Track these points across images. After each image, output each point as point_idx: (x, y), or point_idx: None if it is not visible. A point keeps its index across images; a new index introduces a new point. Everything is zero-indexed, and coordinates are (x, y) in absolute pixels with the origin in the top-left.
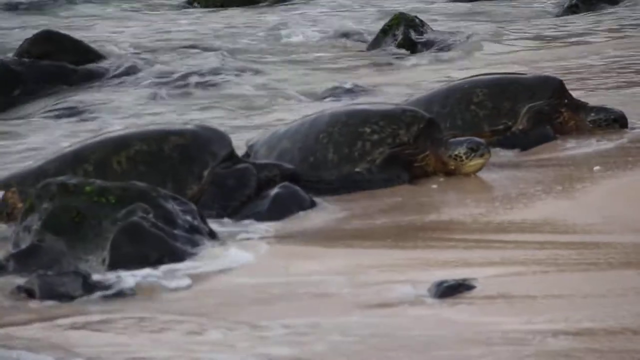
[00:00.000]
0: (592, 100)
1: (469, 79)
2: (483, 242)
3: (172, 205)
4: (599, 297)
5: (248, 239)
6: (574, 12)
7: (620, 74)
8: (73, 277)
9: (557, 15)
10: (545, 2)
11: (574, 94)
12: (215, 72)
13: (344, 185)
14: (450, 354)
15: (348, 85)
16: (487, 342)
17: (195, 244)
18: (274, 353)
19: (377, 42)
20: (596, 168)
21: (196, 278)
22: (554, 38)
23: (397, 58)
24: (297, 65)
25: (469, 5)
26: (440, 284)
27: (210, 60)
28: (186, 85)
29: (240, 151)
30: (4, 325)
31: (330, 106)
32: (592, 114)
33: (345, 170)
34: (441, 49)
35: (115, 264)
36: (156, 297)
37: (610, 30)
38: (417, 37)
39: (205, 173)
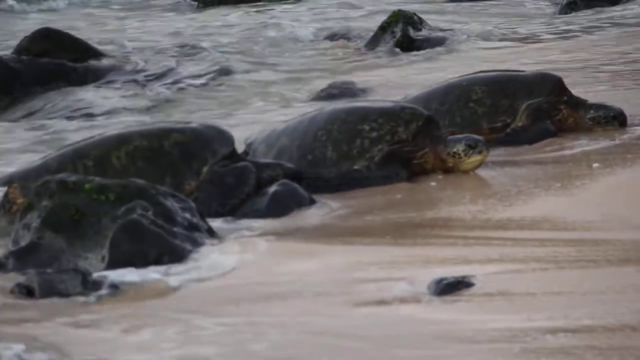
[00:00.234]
0: (591, 97)
1: (467, 77)
2: (482, 240)
3: (171, 203)
4: (598, 294)
5: (247, 236)
6: (572, 9)
7: (620, 72)
8: (72, 275)
9: (556, 14)
10: (544, 2)
11: (573, 91)
12: (212, 70)
13: (343, 183)
14: (449, 351)
15: (346, 84)
16: (485, 339)
17: (194, 242)
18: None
19: (375, 40)
20: (595, 165)
21: (195, 276)
22: (553, 36)
23: (395, 56)
24: (294, 63)
25: (468, 4)
26: (439, 281)
27: (208, 59)
28: (185, 84)
29: (238, 148)
30: (1, 323)
31: (328, 104)
32: (592, 111)
33: (344, 167)
34: (440, 47)
35: (114, 262)
36: (155, 295)
37: (609, 27)
38: (415, 34)
39: (204, 169)
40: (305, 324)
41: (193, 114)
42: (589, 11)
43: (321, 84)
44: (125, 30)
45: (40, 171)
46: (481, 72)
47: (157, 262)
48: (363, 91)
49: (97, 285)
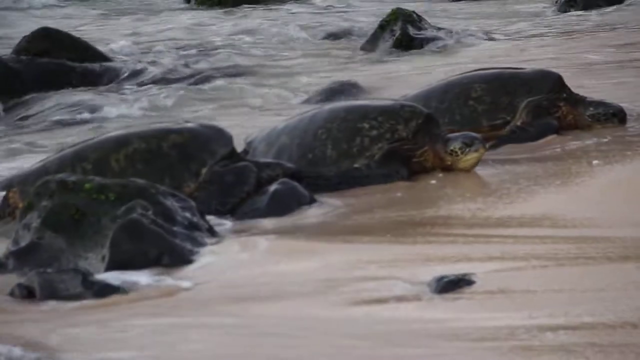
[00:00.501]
0: (590, 94)
1: (467, 74)
2: (482, 237)
3: (171, 202)
4: (599, 291)
5: (247, 235)
6: (572, 7)
7: (619, 69)
8: (72, 275)
9: (555, 12)
10: (542, 3)
11: (572, 88)
12: (212, 71)
13: (343, 181)
14: (450, 349)
15: (346, 83)
16: (486, 337)
17: (194, 241)
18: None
19: (374, 38)
20: (595, 162)
21: (195, 276)
22: (552, 34)
23: (394, 54)
24: (293, 63)
25: (467, 3)
26: (440, 279)
27: (207, 60)
28: (184, 85)
29: (238, 148)
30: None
31: (328, 103)
32: (591, 109)
33: (344, 166)
34: (439, 46)
35: (114, 262)
36: (155, 295)
37: (608, 26)
38: (415, 32)
39: (203, 171)
40: (305, 322)
41: (192, 114)
42: (588, 10)
43: (321, 83)
44: (123, 31)
45: (39, 174)
46: (481, 69)
47: (158, 261)
48: (363, 90)
49: (97, 285)
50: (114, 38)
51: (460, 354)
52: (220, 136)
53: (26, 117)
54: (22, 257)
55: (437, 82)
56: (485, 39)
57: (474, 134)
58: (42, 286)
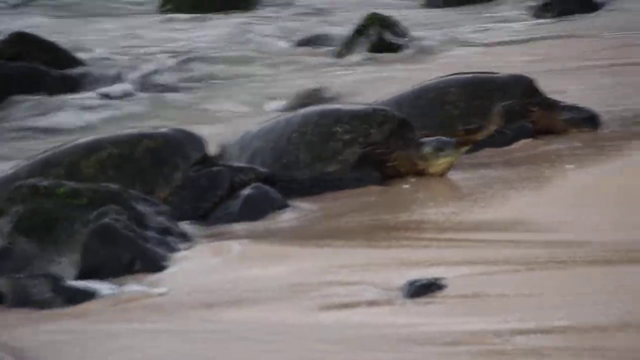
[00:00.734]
0: (564, 99)
1: (441, 79)
2: (455, 242)
3: (144, 207)
4: (570, 295)
5: (220, 240)
6: (547, 11)
7: (593, 74)
8: (44, 280)
9: (530, 19)
10: (518, 10)
11: (546, 93)
12: (183, 78)
13: (316, 185)
14: (419, 354)
15: (320, 89)
16: (457, 341)
17: (167, 246)
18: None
19: (350, 43)
20: (568, 167)
21: (168, 281)
22: (527, 40)
23: (370, 59)
24: (267, 70)
25: (443, 10)
26: (412, 283)
27: (179, 67)
28: (155, 92)
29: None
30: None
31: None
32: (565, 113)
33: (317, 170)
34: (415, 51)
35: (87, 266)
36: (127, 301)
37: (583, 32)
38: (391, 38)
39: (176, 175)
40: (278, 327)
41: (163, 121)
42: (562, 17)
43: (295, 89)
44: (96, 37)
45: (10, 181)
46: (455, 74)
47: (130, 266)
48: (338, 95)
49: (68, 291)
50: (85, 43)
51: (432, 358)
52: (193, 141)
53: None
54: None
55: (411, 86)
56: (461, 45)
57: (446, 139)
58: (13, 291)
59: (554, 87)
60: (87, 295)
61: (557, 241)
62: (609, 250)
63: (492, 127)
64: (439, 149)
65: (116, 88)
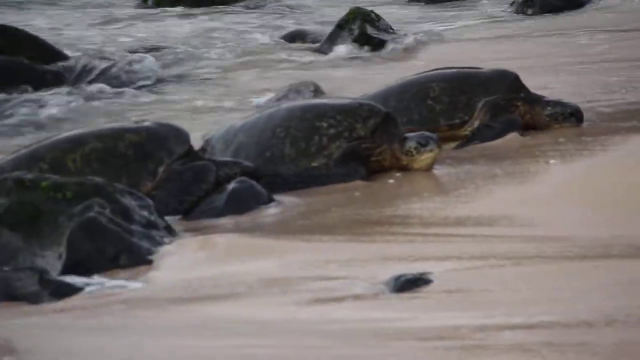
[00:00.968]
0: (548, 94)
1: (425, 74)
2: (440, 236)
3: (129, 201)
4: (555, 290)
5: (205, 234)
6: (529, 7)
7: (577, 69)
8: (29, 274)
9: (512, 15)
10: (500, 7)
11: (530, 88)
12: (167, 74)
13: (301, 180)
14: (407, 347)
15: (304, 84)
16: (442, 336)
17: (152, 240)
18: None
19: (333, 38)
20: (552, 162)
21: (153, 275)
22: (509, 35)
23: (353, 53)
24: (251, 65)
25: (427, 5)
26: (397, 278)
27: (164, 62)
28: (139, 87)
29: (195, 146)
30: None
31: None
32: (549, 108)
33: (302, 164)
34: (398, 45)
35: (71, 260)
36: (111, 295)
37: (565, 28)
38: (373, 32)
39: (160, 170)
40: (263, 322)
41: (147, 116)
42: (544, 13)
43: (279, 84)
44: (78, 32)
45: None
46: (438, 69)
47: (115, 260)
48: (321, 90)
49: (53, 284)
50: (71, 37)
51: (417, 353)
52: (178, 135)
53: None
54: None
55: (395, 81)
56: (443, 40)
57: (429, 134)
58: None
59: (537, 83)
60: (72, 289)
61: (543, 236)
62: (595, 246)
63: (476, 122)
64: (423, 144)
65: (98, 83)
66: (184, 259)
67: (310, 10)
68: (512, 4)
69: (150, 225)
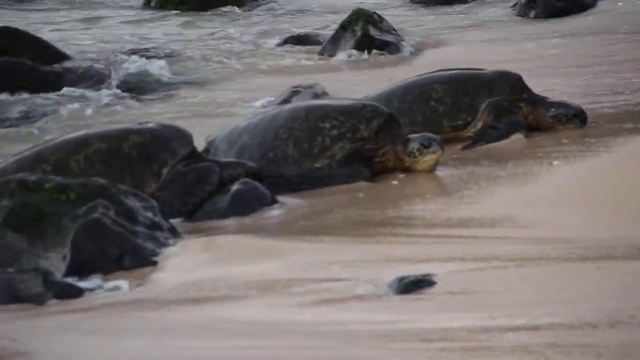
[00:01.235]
0: (552, 95)
1: (428, 75)
2: (444, 238)
3: (133, 202)
4: (559, 291)
5: (209, 235)
6: (531, 8)
7: (580, 71)
8: (33, 275)
9: (514, 17)
10: (503, 10)
11: (533, 89)
12: (169, 75)
13: (305, 181)
14: (411, 349)
15: (307, 86)
16: (446, 337)
17: (156, 241)
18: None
19: (336, 39)
20: (556, 163)
21: (157, 276)
22: (512, 38)
23: (356, 55)
24: (254, 68)
25: (429, 7)
26: (401, 279)
27: (167, 65)
28: (141, 92)
29: (199, 148)
30: None
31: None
32: (552, 109)
33: (306, 165)
34: (400, 47)
35: (75, 261)
36: (116, 296)
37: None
38: (376, 33)
39: (164, 171)
40: (266, 323)
41: (150, 118)
42: (547, 16)
43: (282, 86)
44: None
45: None
46: (441, 70)
47: (119, 261)
48: (324, 92)
49: (57, 285)
50: (73, 38)
51: (421, 355)
52: (181, 136)
53: None
54: None
55: (398, 82)
56: (446, 42)
57: (432, 135)
58: (2, 286)
59: (540, 85)
60: (76, 291)
61: (546, 237)
62: (599, 247)
63: (479, 124)
64: (425, 145)
65: (101, 84)
66: (188, 260)
67: (314, 13)
68: (514, 6)
69: (154, 226)
